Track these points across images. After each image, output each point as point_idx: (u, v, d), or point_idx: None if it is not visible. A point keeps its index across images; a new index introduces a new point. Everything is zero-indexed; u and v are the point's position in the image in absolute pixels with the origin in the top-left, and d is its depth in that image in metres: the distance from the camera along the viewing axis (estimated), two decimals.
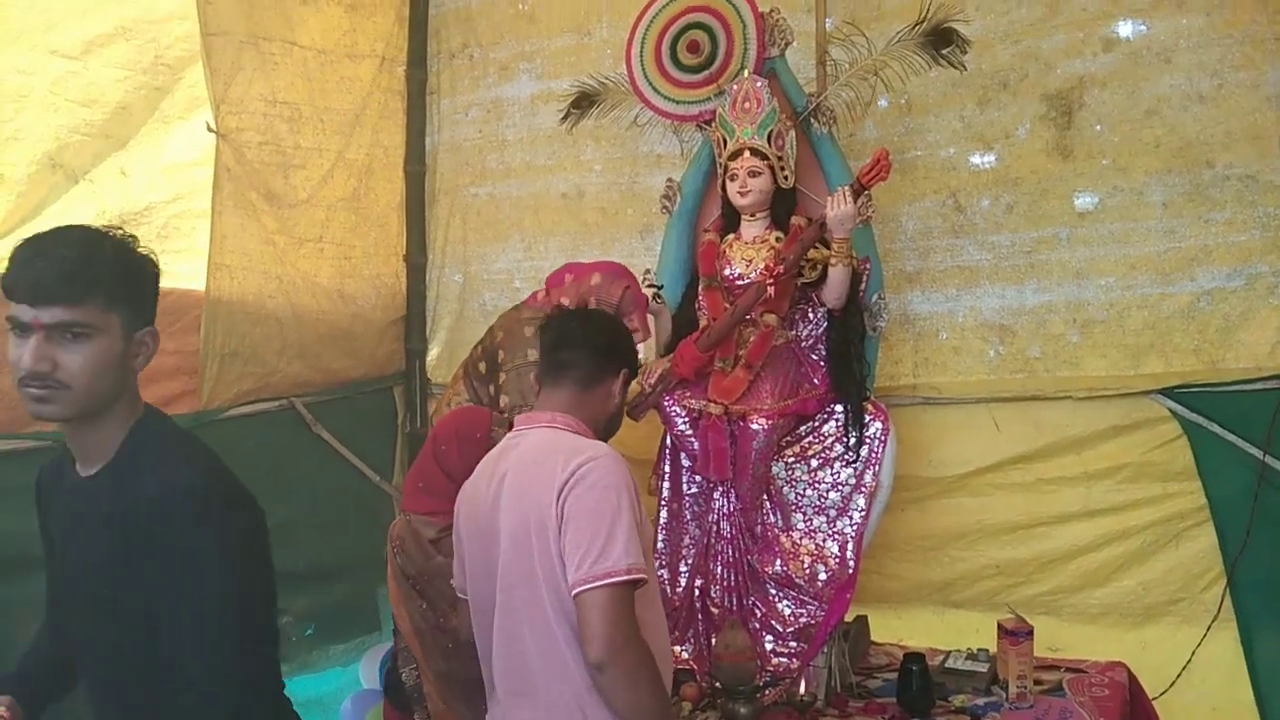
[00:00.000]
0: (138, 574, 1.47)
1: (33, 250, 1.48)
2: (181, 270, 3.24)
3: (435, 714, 2.44)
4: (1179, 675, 3.02)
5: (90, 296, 1.48)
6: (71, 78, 2.91)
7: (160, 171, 3.21)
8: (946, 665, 2.85)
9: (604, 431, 2.05)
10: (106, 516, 1.51)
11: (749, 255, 2.98)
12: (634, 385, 3.12)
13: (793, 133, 2.97)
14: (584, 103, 3.37)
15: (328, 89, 3.82)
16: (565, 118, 3.42)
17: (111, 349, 1.52)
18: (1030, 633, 2.69)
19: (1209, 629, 3.01)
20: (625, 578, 1.73)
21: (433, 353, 4.36)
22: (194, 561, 1.46)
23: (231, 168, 3.36)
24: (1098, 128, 3.15)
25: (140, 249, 1.58)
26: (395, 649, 2.59)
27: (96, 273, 1.49)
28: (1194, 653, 3.02)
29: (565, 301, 2.94)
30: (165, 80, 3.17)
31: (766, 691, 2.73)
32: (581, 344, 2.03)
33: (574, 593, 1.75)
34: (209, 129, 3.24)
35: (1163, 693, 2.96)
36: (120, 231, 1.56)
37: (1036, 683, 2.70)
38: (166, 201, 3.12)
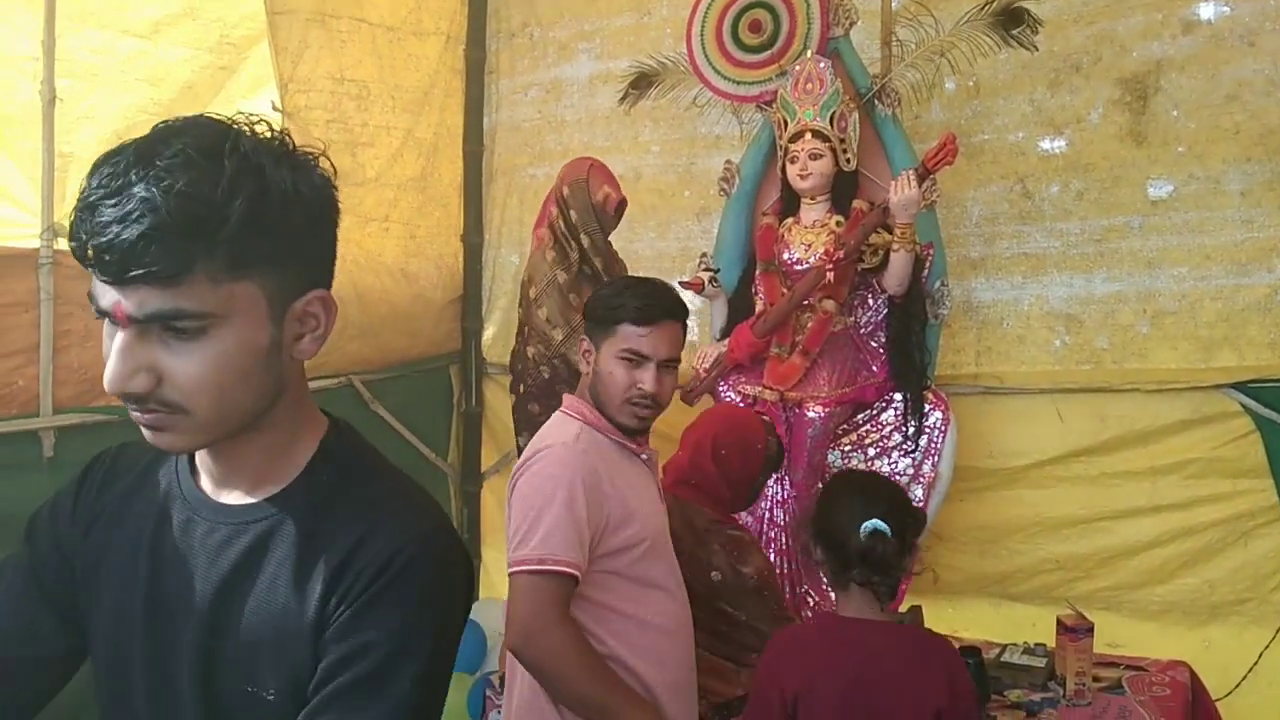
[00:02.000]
0: (339, 628, 0.98)
1: (108, 181, 0.87)
2: None
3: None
4: (1245, 677, 2.94)
5: (202, 263, 0.88)
6: (140, 57, 2.95)
7: None
8: (1003, 659, 2.81)
9: (604, 404, 2.00)
10: (303, 555, 1.00)
11: (808, 239, 2.94)
12: (689, 369, 3.14)
13: (856, 114, 2.92)
14: (643, 83, 3.35)
15: (396, 66, 3.83)
16: (624, 98, 3.40)
17: (250, 341, 0.93)
18: (1090, 629, 2.64)
19: (1278, 631, 2.93)
20: (536, 567, 1.75)
21: (488, 332, 4.38)
22: (422, 623, 0.99)
23: None
24: (1174, 113, 3.04)
25: (298, 152, 0.96)
26: None
27: (210, 218, 0.87)
28: (1261, 655, 2.94)
29: (554, 208, 3.07)
30: (231, 59, 3.20)
31: None
32: None
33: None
34: (274, 108, 3.27)
35: (1227, 694, 2.89)
36: (261, 124, 0.95)
37: (1095, 680, 2.65)
38: None
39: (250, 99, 3.27)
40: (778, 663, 1.85)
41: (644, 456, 2.04)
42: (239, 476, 1.05)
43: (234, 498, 1.05)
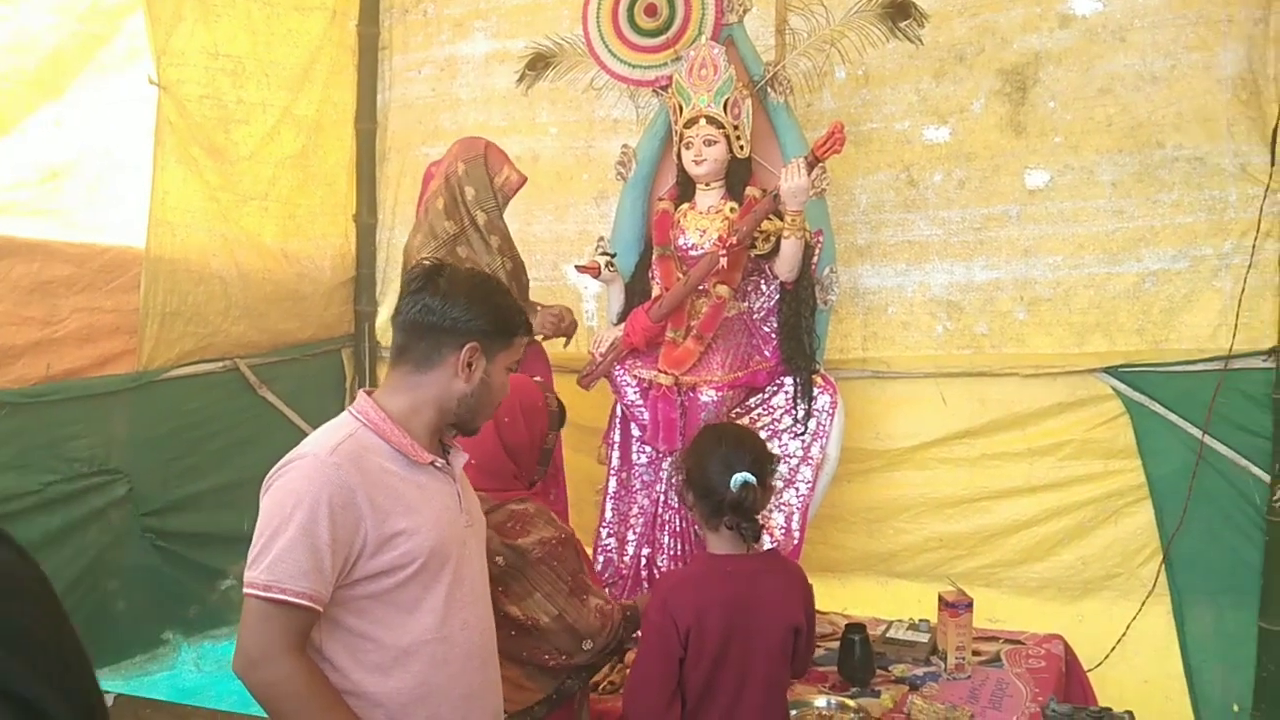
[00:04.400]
0: None
1: None
2: (112, 222, 3.13)
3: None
4: (1114, 648, 3.09)
5: None
6: (1, 22, 2.80)
7: (97, 123, 3.10)
8: (888, 635, 2.88)
9: (478, 414, 1.83)
10: None
11: (703, 225, 2.96)
12: (585, 354, 3.13)
13: (749, 101, 2.93)
14: (540, 64, 3.31)
15: (273, 42, 3.71)
16: (521, 79, 3.35)
17: None
18: (970, 605, 2.72)
19: (1144, 603, 3.08)
20: (261, 593, 1.57)
21: (382, 315, 4.28)
22: None
23: (174, 121, 3.26)
24: (1051, 105, 3.15)
25: None
26: None
27: None
28: (1129, 626, 3.09)
29: (436, 186, 2.96)
30: (103, 28, 3.06)
31: None
32: (405, 324, 1.83)
33: None
34: (150, 81, 3.14)
35: (1098, 665, 3.04)
36: None
37: (975, 653, 2.74)
38: (100, 153, 3.01)
39: (123, 70, 3.13)
40: (670, 601, 2.00)
41: (438, 464, 1.77)
42: None
43: None
